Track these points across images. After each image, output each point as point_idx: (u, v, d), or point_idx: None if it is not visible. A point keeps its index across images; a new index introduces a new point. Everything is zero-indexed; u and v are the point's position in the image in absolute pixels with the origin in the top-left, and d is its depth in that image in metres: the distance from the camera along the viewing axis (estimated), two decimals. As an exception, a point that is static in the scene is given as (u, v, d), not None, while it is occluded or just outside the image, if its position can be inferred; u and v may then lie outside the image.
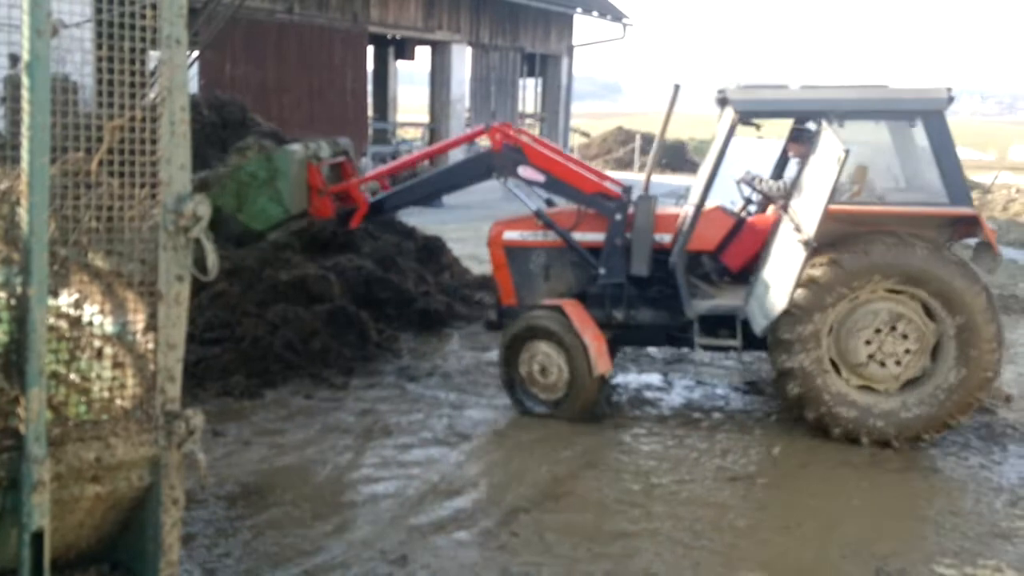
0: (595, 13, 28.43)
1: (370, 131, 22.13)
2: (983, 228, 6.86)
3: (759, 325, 6.89)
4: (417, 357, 8.99)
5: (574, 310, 7.22)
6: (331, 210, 7.65)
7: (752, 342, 7.19)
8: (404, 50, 25.07)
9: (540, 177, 7.54)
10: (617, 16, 29.02)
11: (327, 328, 8.62)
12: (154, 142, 3.55)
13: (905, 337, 6.80)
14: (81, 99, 3.81)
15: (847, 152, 6.19)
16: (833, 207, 6.43)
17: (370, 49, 22.42)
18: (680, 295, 7.31)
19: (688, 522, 5.61)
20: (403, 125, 29.07)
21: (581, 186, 7.59)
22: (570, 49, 29.27)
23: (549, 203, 8.01)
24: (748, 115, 7.29)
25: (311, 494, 5.79)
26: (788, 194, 7.15)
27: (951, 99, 6.90)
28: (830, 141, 6.46)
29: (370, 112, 23.19)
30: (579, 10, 28.12)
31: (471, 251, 13.86)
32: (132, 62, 3.60)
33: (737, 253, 7.71)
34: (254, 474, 6.03)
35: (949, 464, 6.72)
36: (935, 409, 6.80)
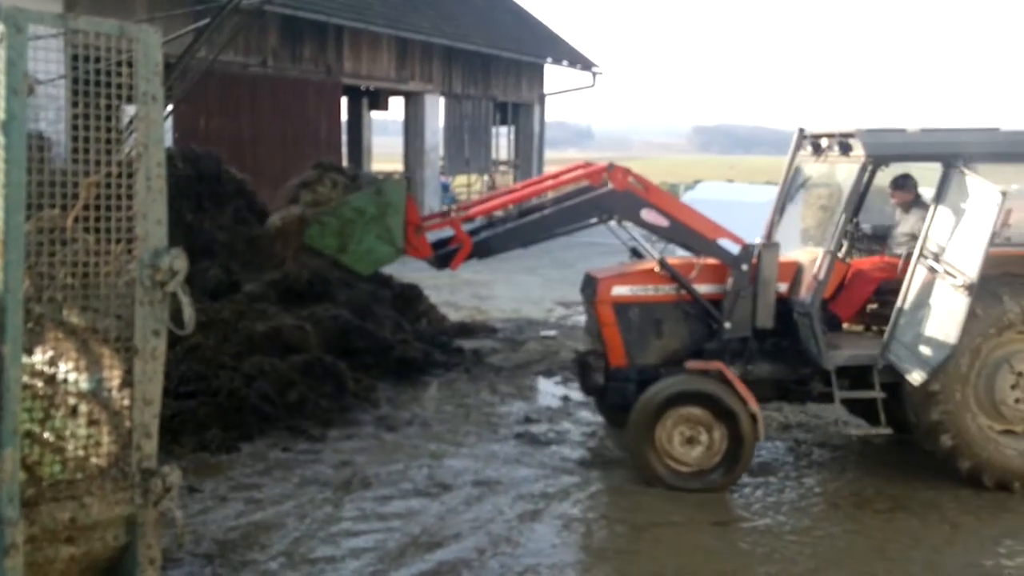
0: (565, 63, 28.79)
1: (344, 181, 22.21)
2: None
3: (917, 374, 6.67)
4: (395, 406, 8.93)
5: (730, 373, 6.86)
6: (429, 250, 6.84)
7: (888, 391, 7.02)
8: (378, 100, 25.22)
9: (664, 222, 7.10)
10: (587, 65, 29.40)
11: (304, 379, 8.56)
12: (130, 197, 3.54)
13: None
14: (54, 155, 3.81)
15: (1005, 194, 6.29)
16: (993, 250, 6.49)
17: (344, 100, 22.54)
18: (812, 346, 7.01)
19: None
20: (378, 174, 29.19)
21: (705, 232, 7.21)
22: (541, 97, 29.58)
23: (635, 253, 7.68)
24: (880, 159, 7.21)
25: (289, 550, 5.70)
26: (913, 240, 7.11)
27: None
28: (979, 184, 6.53)
29: (345, 162, 23.26)
30: (549, 60, 28.48)
31: (447, 298, 13.85)
32: (107, 118, 3.60)
33: (849, 302, 7.51)
34: (231, 530, 5.94)
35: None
36: None
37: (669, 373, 7.00)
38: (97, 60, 3.59)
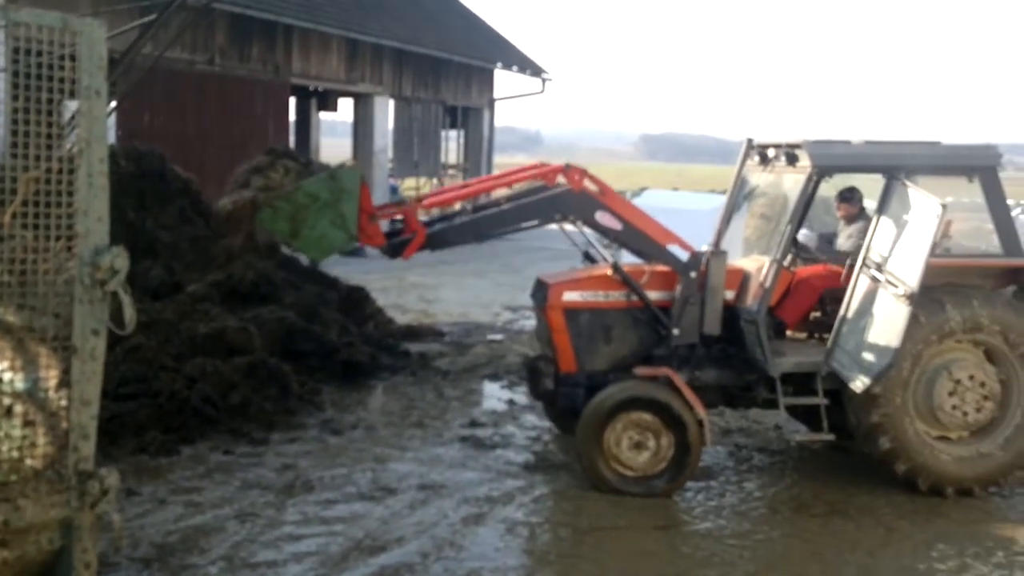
0: (515, 68, 28.89)
1: (292, 182, 22.03)
2: None
3: (859, 381, 6.77)
4: (340, 409, 8.87)
5: (678, 379, 6.90)
6: (383, 238, 6.78)
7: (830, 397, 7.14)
8: (327, 101, 25.04)
9: (618, 225, 7.16)
10: (536, 71, 29.54)
11: (247, 381, 8.46)
12: (71, 194, 3.49)
13: (983, 385, 7.01)
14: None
15: (945, 207, 6.42)
16: (935, 260, 6.63)
17: (292, 100, 22.34)
18: (758, 353, 7.09)
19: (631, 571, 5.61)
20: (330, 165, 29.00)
21: (657, 237, 7.28)
22: (491, 102, 29.64)
23: (588, 257, 7.79)
24: (826, 170, 7.27)
25: (230, 554, 5.62)
26: (857, 250, 7.20)
27: (1001, 155, 7.33)
28: (920, 196, 6.67)
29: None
30: (499, 65, 28.55)
31: (395, 301, 13.79)
32: (49, 113, 3.54)
33: (793, 309, 7.61)
34: (170, 534, 5.84)
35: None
36: (1010, 453, 7.08)
37: (618, 379, 7.04)
38: (39, 54, 3.53)
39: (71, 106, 3.70)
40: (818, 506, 6.87)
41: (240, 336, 8.99)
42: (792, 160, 7.35)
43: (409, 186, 30.02)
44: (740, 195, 8.11)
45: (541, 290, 7.41)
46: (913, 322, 6.67)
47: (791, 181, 7.51)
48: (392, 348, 10.98)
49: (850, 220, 7.93)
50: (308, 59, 21.26)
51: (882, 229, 6.94)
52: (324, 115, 27.04)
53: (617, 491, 6.78)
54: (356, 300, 11.87)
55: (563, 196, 7.14)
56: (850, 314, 6.98)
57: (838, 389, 7.06)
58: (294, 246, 6.45)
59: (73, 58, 3.52)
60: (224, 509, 6.31)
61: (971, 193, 7.28)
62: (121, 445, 7.20)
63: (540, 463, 7.59)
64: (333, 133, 38.38)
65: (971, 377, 7.01)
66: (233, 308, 9.84)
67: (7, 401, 3.22)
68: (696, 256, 7.20)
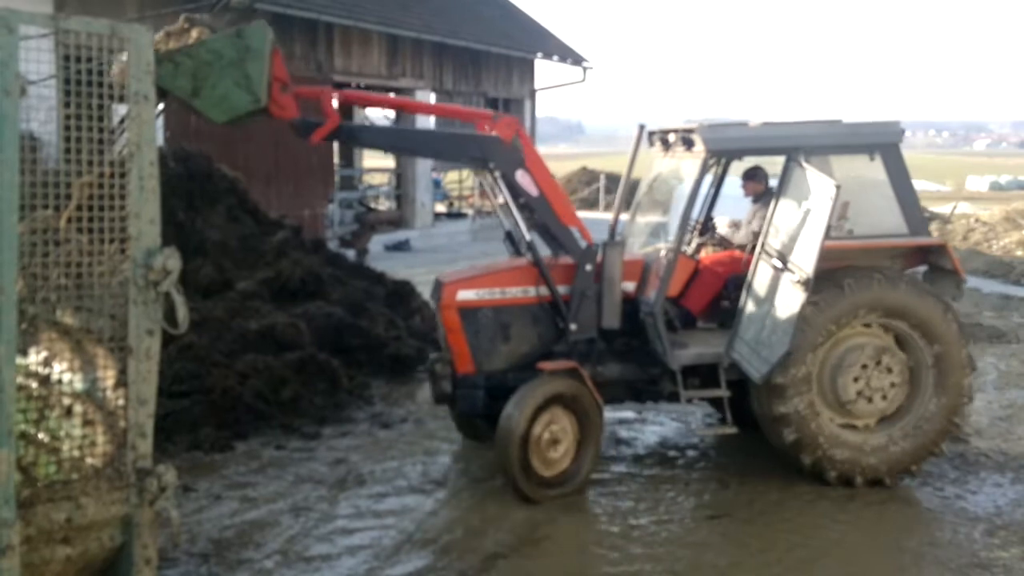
0: (555, 58, 28.77)
1: (336, 177, 22.15)
2: (950, 256, 7.01)
3: (757, 371, 6.57)
4: (389, 403, 8.94)
5: (584, 372, 6.68)
6: (295, 111, 6.22)
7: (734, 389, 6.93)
8: (368, 97, 25.21)
9: (534, 191, 6.84)
10: (577, 60, 29.39)
11: (297, 377, 8.56)
12: (122, 197, 3.55)
13: (890, 371, 6.80)
14: (45, 155, 3.81)
15: (839, 187, 6.23)
16: (828, 244, 6.39)
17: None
18: (658, 346, 6.90)
19: (668, 563, 5.59)
20: (369, 171, 29.15)
21: (562, 215, 6.97)
22: (532, 92, 29.57)
23: (509, 238, 7.41)
24: (720, 153, 7.14)
25: (284, 548, 5.70)
26: (757, 234, 7.09)
27: (903, 131, 7.12)
28: (815, 177, 6.48)
29: (336, 159, 23.25)
30: (540, 55, 28.45)
31: (440, 295, 13.82)
32: (99, 118, 3.61)
33: (699, 297, 7.42)
34: (226, 529, 5.94)
35: (925, 495, 6.76)
36: (920, 439, 6.84)
37: (518, 378, 6.72)
38: (88, 60, 3.60)
39: (120, 110, 3.77)
40: (871, 494, 6.78)
41: (290, 332, 9.09)
42: (689, 145, 7.12)
43: (452, 179, 30.11)
44: (643, 183, 7.88)
45: (437, 289, 7.10)
46: (812, 308, 6.47)
47: (689, 166, 7.27)
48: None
49: (757, 199, 7.72)
50: (350, 56, 21.39)
51: (780, 213, 6.70)
52: (367, 111, 27.20)
53: (541, 497, 6.43)
54: (402, 294, 11.93)
55: (492, 141, 6.79)
56: (750, 302, 6.73)
57: (743, 380, 6.81)
58: (195, 105, 5.80)
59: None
60: (278, 504, 6.39)
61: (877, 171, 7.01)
62: (176, 442, 7.33)
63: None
64: (375, 128, 38.59)
65: (877, 363, 6.75)
66: (282, 305, 9.95)
67: (67, 401, 3.29)
68: (592, 247, 6.93)
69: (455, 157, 7.02)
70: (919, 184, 7.46)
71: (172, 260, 3.59)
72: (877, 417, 6.87)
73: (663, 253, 7.12)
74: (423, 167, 24.66)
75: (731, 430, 6.94)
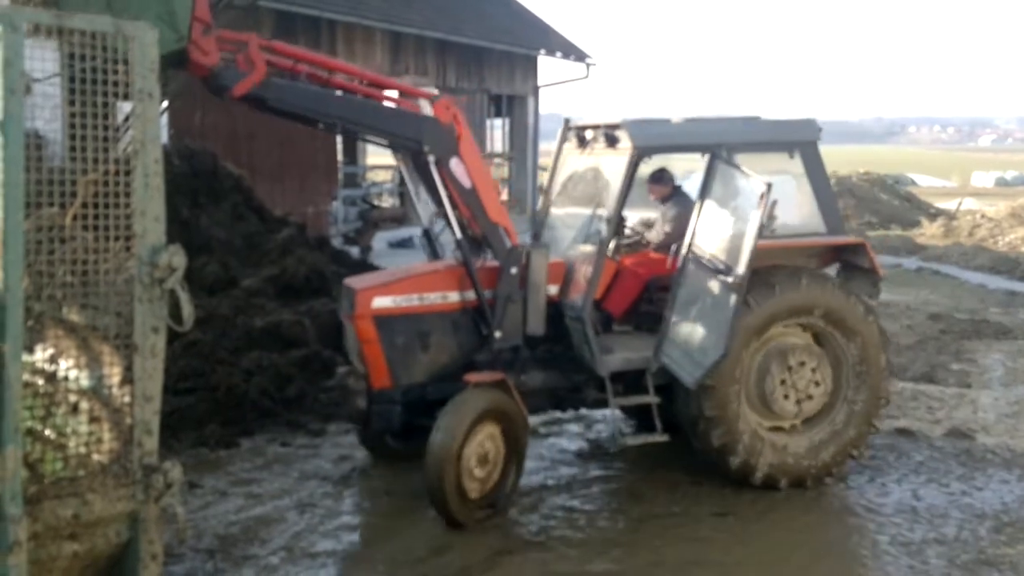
0: (558, 54, 28.74)
1: (340, 175, 22.17)
2: (869, 255, 6.96)
3: (690, 375, 6.30)
4: (394, 401, 8.94)
5: (512, 384, 6.21)
6: (215, 58, 5.55)
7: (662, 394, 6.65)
8: (371, 94, 25.22)
9: (467, 182, 6.37)
10: (580, 56, 29.35)
11: (302, 373, 8.58)
12: (128, 195, 3.56)
13: (814, 371, 6.66)
14: (50, 153, 3.82)
15: (770, 186, 6.07)
16: (761, 243, 6.18)
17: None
18: (585, 352, 6.56)
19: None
20: (373, 168, 29.15)
21: (491, 212, 6.52)
22: (535, 89, 29.54)
23: (427, 235, 7.07)
24: (646, 151, 6.75)
25: (290, 544, 5.72)
26: (676, 235, 6.85)
27: (820, 129, 7.06)
28: (743, 176, 6.33)
29: (340, 156, 23.26)
30: (543, 51, 28.42)
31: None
32: (104, 116, 3.61)
33: (620, 299, 7.06)
34: (232, 525, 5.96)
35: (931, 491, 6.75)
36: (841, 441, 6.75)
37: (438, 391, 6.31)
38: (93, 58, 3.60)
39: (125, 108, 3.78)
40: (873, 490, 6.78)
41: (295, 329, 9.11)
42: (612, 142, 6.87)
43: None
44: (558, 182, 7.61)
45: (348, 297, 6.51)
46: (742, 310, 6.30)
47: (612, 164, 7.00)
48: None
49: (664, 202, 7.49)
50: (353, 53, 21.39)
51: (706, 212, 6.49)
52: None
53: (472, 520, 5.98)
54: (406, 291, 11.93)
55: (429, 122, 6.29)
56: (677, 305, 6.51)
57: (668, 384, 6.62)
58: None
59: (126, 61, 3.60)
60: (283, 500, 6.41)
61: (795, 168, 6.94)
62: (182, 439, 7.35)
63: (594, 451, 7.59)
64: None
65: (802, 363, 6.64)
66: (287, 302, 9.97)
67: (73, 398, 3.31)
68: (516, 250, 6.49)
69: (385, 134, 6.34)
70: (925, 180, 7.45)
71: (177, 257, 3.60)
72: (801, 418, 6.75)
73: (589, 254, 6.73)
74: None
75: (662, 437, 6.63)
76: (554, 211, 7.61)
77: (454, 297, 6.53)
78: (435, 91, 6.56)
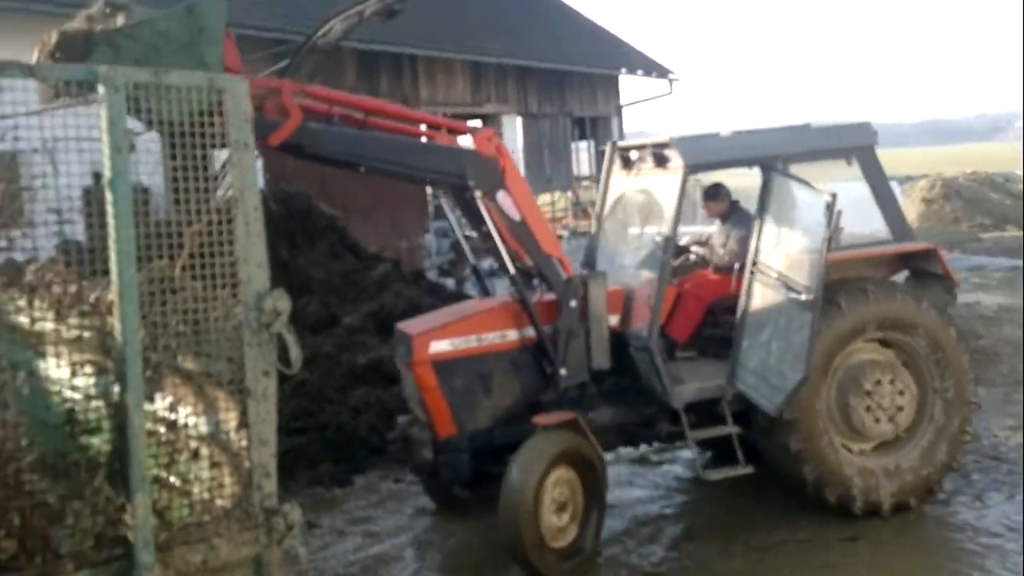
0: (640, 72, 28.61)
1: (431, 207, 22.47)
2: (941, 261, 6.61)
3: (770, 402, 5.99)
4: (500, 429, 8.92)
5: (584, 423, 5.98)
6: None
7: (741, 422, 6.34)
8: (456, 127, 25.49)
9: (516, 215, 6.10)
10: (662, 72, 29.15)
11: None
12: (231, 243, 3.62)
13: (898, 387, 6.31)
14: (154, 206, 3.92)
15: (835, 196, 5.79)
16: (832, 256, 5.93)
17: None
18: (655, 383, 6.26)
19: None
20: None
21: (544, 243, 6.23)
22: (618, 109, 29.45)
23: (475, 272, 6.91)
24: (698, 167, 6.58)
25: (410, 579, 5.73)
26: (740, 254, 6.59)
27: (876, 133, 6.72)
28: (802, 187, 6.07)
29: (429, 189, 23.58)
30: (623, 71, 28.35)
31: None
32: (204, 168, 3.70)
33: (683, 324, 6.80)
34: (352, 564, 6.00)
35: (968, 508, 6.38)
36: (938, 456, 6.39)
37: (505, 436, 6.07)
38: (190, 113, 3.69)
39: (220, 155, 3.86)
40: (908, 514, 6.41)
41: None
42: (661, 161, 6.59)
43: (544, 202, 30.15)
44: (607, 206, 7.32)
45: (403, 343, 6.24)
46: (829, 324, 6.02)
47: (661, 183, 6.69)
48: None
49: (722, 219, 7.16)
50: (435, 86, 21.70)
51: (768, 228, 6.19)
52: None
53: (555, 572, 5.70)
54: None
55: (473, 156, 6.03)
56: (748, 327, 6.18)
57: (743, 412, 6.27)
58: None
59: (221, 113, 3.67)
60: (400, 537, 6.43)
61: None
62: (297, 478, 7.45)
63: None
64: (465, 157, 39.04)
65: (881, 380, 6.24)
66: (387, 337, 10.05)
67: (194, 444, 3.36)
68: (574, 281, 6.20)
69: (428, 172, 6.11)
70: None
71: (282, 301, 3.64)
72: (890, 437, 6.38)
73: (651, 280, 6.46)
74: (515, 191, 24.79)
75: (746, 470, 6.26)
76: (605, 236, 7.35)
77: (513, 335, 6.26)
78: (478, 123, 6.23)
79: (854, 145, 6.65)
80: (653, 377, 6.26)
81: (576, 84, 27.22)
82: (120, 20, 4.66)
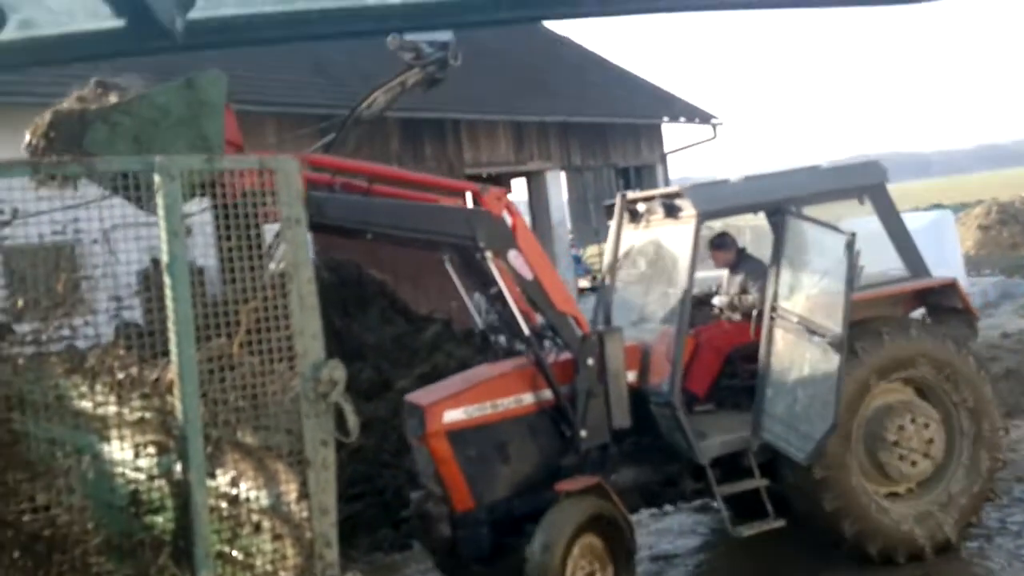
0: (682, 119, 28.72)
1: (479, 267, 22.70)
2: (961, 295, 6.53)
3: (801, 451, 5.84)
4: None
5: (610, 487, 5.81)
6: (250, 180, 4.59)
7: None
8: (500, 185, 25.74)
9: (528, 274, 5.92)
10: (705, 118, 29.20)
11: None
12: (286, 317, 3.73)
13: (926, 426, 6.16)
14: (208, 282, 4.05)
15: (854, 235, 5.74)
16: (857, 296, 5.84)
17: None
18: (679, 439, 6.08)
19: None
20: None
21: (558, 301, 6.04)
22: (663, 157, 29.51)
23: (491, 331, 6.68)
24: (711, 215, 6.51)
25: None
26: (759, 301, 6.50)
27: (886, 170, 6.71)
28: (818, 228, 6.03)
29: (476, 249, 23.80)
30: (666, 119, 28.47)
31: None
32: (258, 246, 3.82)
33: (702, 377, 6.65)
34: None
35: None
36: (966, 501, 6.23)
37: (526, 505, 5.86)
38: (243, 195, 3.83)
39: (270, 228, 3.98)
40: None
41: (452, 425, 9.22)
42: (671, 211, 6.49)
43: (592, 254, 30.22)
44: (609, 260, 7.22)
45: (415, 415, 6.01)
46: (855, 365, 5.90)
47: (673, 234, 6.60)
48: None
49: (732, 268, 7.07)
50: (478, 148, 22.02)
51: (785, 272, 6.11)
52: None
53: None
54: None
55: (480, 215, 5.89)
56: (771, 374, 6.05)
57: (769, 463, 6.14)
58: None
59: (273, 192, 3.81)
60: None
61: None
62: (357, 545, 7.49)
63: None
64: (511, 213, 39.32)
65: (910, 420, 6.11)
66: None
67: (255, 518, 3.43)
68: (590, 338, 6.01)
69: (436, 235, 5.92)
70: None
71: (338, 371, 3.72)
72: (918, 480, 6.24)
73: (668, 333, 6.34)
74: (561, 243, 24.88)
75: (778, 523, 6.09)
76: (616, 291, 7.23)
77: (528, 399, 6.05)
78: (479, 186, 6.11)
79: (865, 184, 6.66)
80: (676, 433, 6.10)
81: (619, 135, 27.41)
82: (113, 98, 4.53)
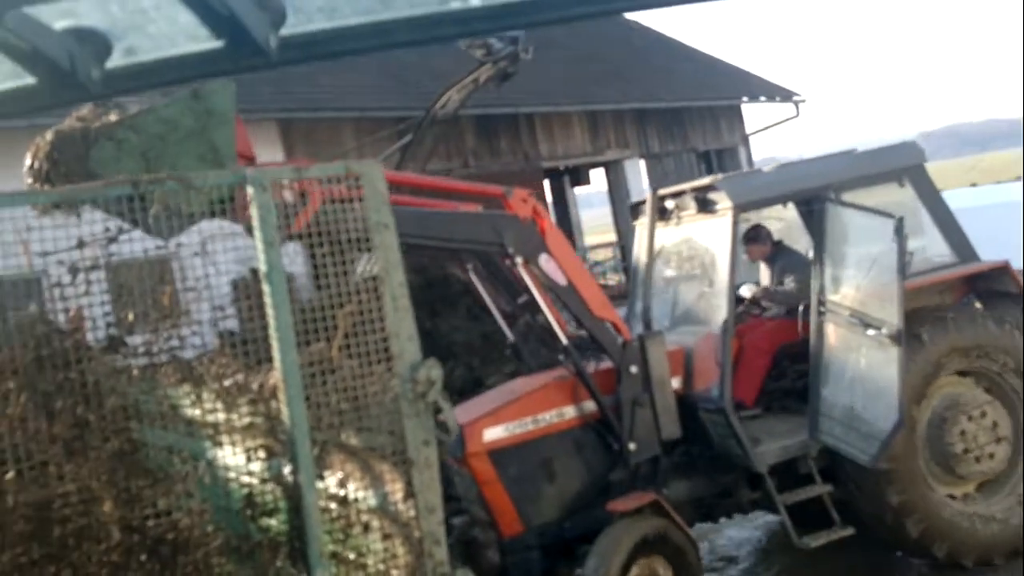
0: (762, 98, 28.18)
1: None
2: (1015, 278, 6.15)
3: (865, 452, 5.56)
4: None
5: (667, 503, 5.54)
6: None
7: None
8: (578, 176, 25.66)
9: (561, 279, 5.63)
10: (787, 96, 28.57)
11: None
12: (381, 320, 3.79)
13: (994, 422, 5.82)
14: (297, 287, 4.14)
15: (902, 220, 5.45)
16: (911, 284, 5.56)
17: (546, 183, 23.11)
18: (734, 447, 5.82)
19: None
20: (593, 248, 29.50)
21: (594, 306, 5.75)
22: (745, 138, 29.01)
23: (515, 349, 6.41)
24: (748, 207, 6.29)
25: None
26: (801, 294, 6.24)
27: (924, 151, 6.40)
28: (862, 215, 5.77)
29: (558, 241, 23.78)
30: (745, 99, 27.97)
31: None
32: (345, 252, 3.89)
33: (750, 379, 6.33)
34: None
35: None
36: None
37: (578, 526, 5.58)
38: (331, 200, 3.91)
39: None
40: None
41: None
42: (705, 205, 6.19)
43: (675, 239, 29.90)
44: (640, 260, 6.85)
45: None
46: (913, 356, 5.55)
47: (708, 229, 6.30)
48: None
49: (768, 261, 6.74)
50: (553, 140, 22.00)
51: (829, 263, 5.79)
52: (578, 190, 27.69)
53: None
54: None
55: (508, 220, 5.64)
56: (825, 373, 5.73)
57: (828, 467, 5.84)
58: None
59: (362, 199, 3.87)
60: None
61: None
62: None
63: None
64: (590, 205, 39.22)
65: (980, 414, 5.74)
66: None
67: (364, 518, 3.49)
68: (632, 344, 5.69)
69: (462, 243, 5.68)
70: None
71: (434, 370, 3.77)
72: (984, 480, 5.93)
73: (713, 335, 6.07)
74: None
75: (846, 531, 5.81)
76: (650, 293, 6.81)
77: (571, 412, 5.77)
78: (504, 188, 5.93)
79: (904, 166, 6.36)
80: (729, 440, 5.85)
81: (697, 118, 27.04)
82: (113, 116, 4.40)
